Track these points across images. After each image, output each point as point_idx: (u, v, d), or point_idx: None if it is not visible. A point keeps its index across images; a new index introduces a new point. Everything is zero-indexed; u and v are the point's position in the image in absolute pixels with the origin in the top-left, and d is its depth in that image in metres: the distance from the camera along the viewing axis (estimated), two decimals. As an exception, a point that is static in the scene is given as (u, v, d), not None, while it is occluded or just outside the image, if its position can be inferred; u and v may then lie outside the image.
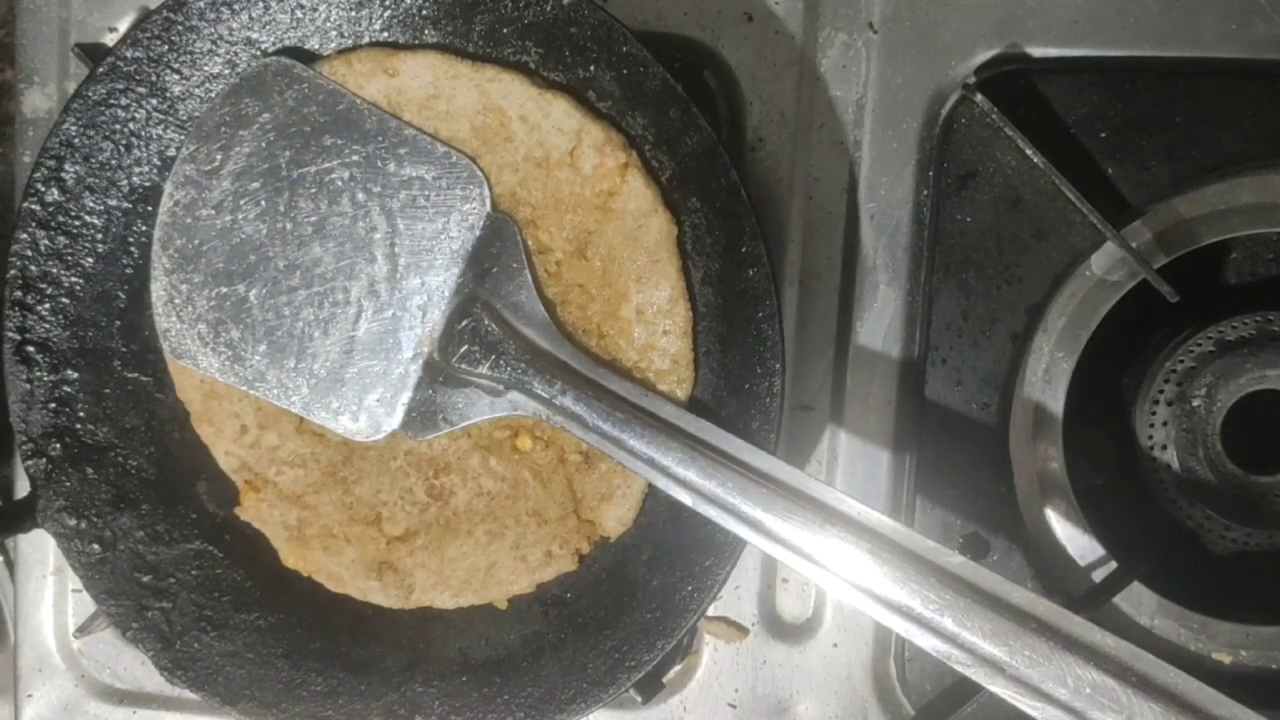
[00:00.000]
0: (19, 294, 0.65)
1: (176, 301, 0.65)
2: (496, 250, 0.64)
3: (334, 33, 0.66)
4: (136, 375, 0.68)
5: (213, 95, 0.65)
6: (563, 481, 0.66)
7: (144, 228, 0.67)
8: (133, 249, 0.67)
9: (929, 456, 0.71)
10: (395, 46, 0.65)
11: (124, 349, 0.68)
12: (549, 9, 0.63)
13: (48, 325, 0.66)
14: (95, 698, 0.78)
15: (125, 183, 0.66)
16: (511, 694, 0.66)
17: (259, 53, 0.65)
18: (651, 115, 0.63)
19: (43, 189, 0.65)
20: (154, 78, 0.65)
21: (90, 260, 0.67)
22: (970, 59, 0.69)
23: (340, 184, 0.64)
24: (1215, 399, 0.71)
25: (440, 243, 0.63)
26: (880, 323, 0.71)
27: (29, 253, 0.65)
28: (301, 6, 0.65)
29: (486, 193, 0.64)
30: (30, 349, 0.66)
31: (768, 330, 0.62)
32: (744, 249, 0.62)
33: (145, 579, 0.67)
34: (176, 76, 0.65)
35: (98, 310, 0.67)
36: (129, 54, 0.64)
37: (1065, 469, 0.70)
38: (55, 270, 0.66)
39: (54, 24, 0.74)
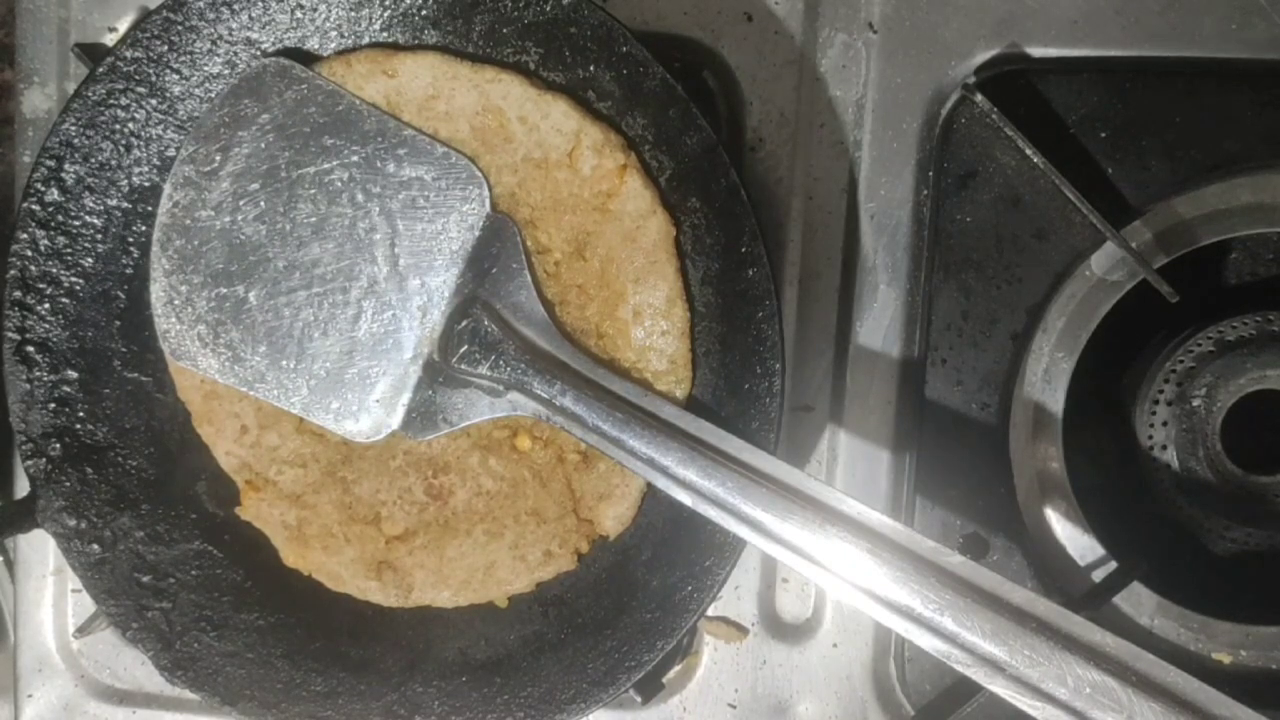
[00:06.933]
0: (19, 294, 0.65)
1: (176, 302, 0.65)
2: (496, 251, 0.64)
3: (334, 33, 0.66)
4: (136, 375, 0.69)
5: (212, 95, 0.65)
6: (561, 481, 0.66)
7: (144, 228, 0.67)
8: (132, 249, 0.67)
9: (929, 456, 0.71)
10: (394, 47, 0.65)
11: (124, 349, 0.68)
12: (549, 9, 0.63)
13: (48, 325, 0.66)
14: (95, 698, 0.78)
15: (125, 183, 0.67)
16: (511, 694, 0.66)
17: (259, 53, 0.65)
18: (651, 115, 0.63)
19: (43, 189, 0.65)
20: (154, 78, 0.65)
21: (90, 260, 0.67)
22: (970, 59, 0.69)
23: (340, 185, 0.64)
24: (1215, 399, 0.71)
25: (440, 243, 0.63)
26: (880, 323, 0.71)
27: (29, 253, 0.65)
28: (301, 7, 0.65)
29: (486, 193, 0.64)
30: (30, 349, 0.66)
31: (767, 330, 0.62)
32: (744, 249, 0.62)
33: (145, 579, 0.67)
34: (176, 76, 0.65)
35: (98, 310, 0.67)
36: (129, 54, 0.64)
37: (1065, 469, 0.70)
38: (55, 270, 0.66)
39: (54, 24, 0.74)
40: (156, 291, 0.65)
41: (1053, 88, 0.69)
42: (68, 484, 0.66)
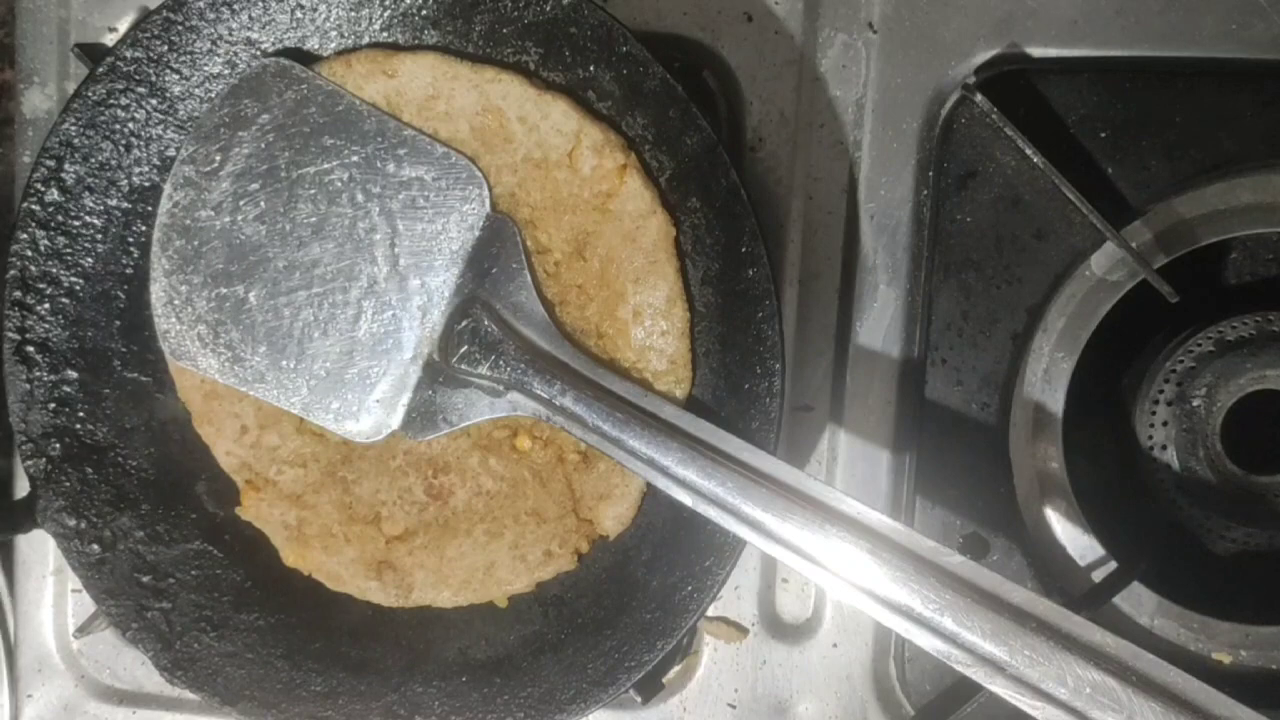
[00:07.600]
0: (19, 294, 0.65)
1: (176, 303, 0.65)
2: (496, 251, 0.64)
3: (334, 33, 0.66)
4: (136, 375, 0.69)
5: (212, 95, 0.65)
6: (561, 481, 0.66)
7: (144, 228, 0.67)
8: (132, 249, 0.67)
9: (929, 456, 0.71)
10: (394, 47, 0.65)
11: (124, 349, 0.68)
12: (549, 9, 0.63)
13: (48, 325, 0.66)
14: (95, 698, 0.78)
15: (125, 183, 0.67)
16: (511, 694, 0.66)
17: (259, 53, 0.65)
18: (651, 115, 0.63)
19: (43, 189, 0.65)
20: (154, 78, 0.65)
21: (90, 260, 0.67)
22: (970, 59, 0.69)
23: (340, 185, 0.64)
24: (1215, 399, 0.71)
25: (440, 243, 0.64)
26: (880, 323, 0.71)
27: (29, 253, 0.65)
28: (301, 7, 0.65)
29: (486, 193, 0.64)
30: (30, 349, 0.66)
31: (768, 330, 0.62)
32: (744, 249, 0.62)
33: (145, 579, 0.67)
34: (176, 76, 0.65)
35: (98, 310, 0.67)
36: (129, 54, 0.64)
37: (1065, 469, 0.70)
38: (55, 270, 0.66)
39: (54, 24, 0.74)
40: (156, 291, 0.65)
41: (1053, 88, 0.69)
42: (68, 484, 0.66)
